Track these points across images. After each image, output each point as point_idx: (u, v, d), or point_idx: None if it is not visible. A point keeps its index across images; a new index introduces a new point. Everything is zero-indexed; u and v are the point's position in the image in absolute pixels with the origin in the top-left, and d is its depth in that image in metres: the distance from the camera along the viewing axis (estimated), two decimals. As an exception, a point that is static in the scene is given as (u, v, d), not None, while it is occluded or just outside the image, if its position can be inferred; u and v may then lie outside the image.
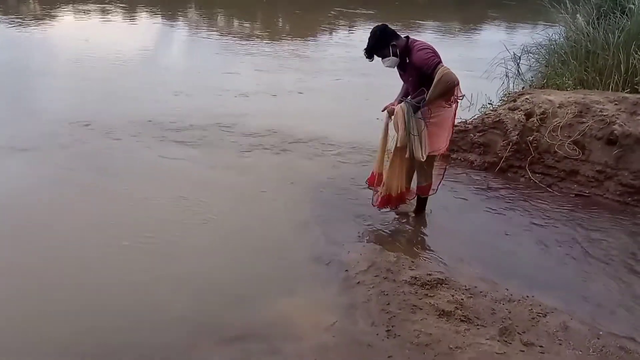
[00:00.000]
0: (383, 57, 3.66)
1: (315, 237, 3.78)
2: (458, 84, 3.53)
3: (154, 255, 3.47)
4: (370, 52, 3.67)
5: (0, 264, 3.30)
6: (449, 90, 3.53)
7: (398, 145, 3.73)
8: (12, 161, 4.82)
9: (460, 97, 3.76)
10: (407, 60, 3.64)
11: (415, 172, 3.99)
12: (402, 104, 3.65)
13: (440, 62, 3.49)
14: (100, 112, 6.11)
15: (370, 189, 4.15)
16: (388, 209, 4.09)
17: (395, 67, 3.74)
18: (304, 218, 4.03)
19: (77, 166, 4.77)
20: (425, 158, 3.72)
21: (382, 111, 3.90)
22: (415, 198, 4.12)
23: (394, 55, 3.62)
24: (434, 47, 3.63)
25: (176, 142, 5.44)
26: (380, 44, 3.63)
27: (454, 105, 3.74)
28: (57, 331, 2.75)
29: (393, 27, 3.70)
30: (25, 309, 2.91)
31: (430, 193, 4.05)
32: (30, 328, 2.77)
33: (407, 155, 3.71)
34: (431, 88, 3.50)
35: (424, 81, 3.57)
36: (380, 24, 3.73)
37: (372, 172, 4.11)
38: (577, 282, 3.45)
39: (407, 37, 3.68)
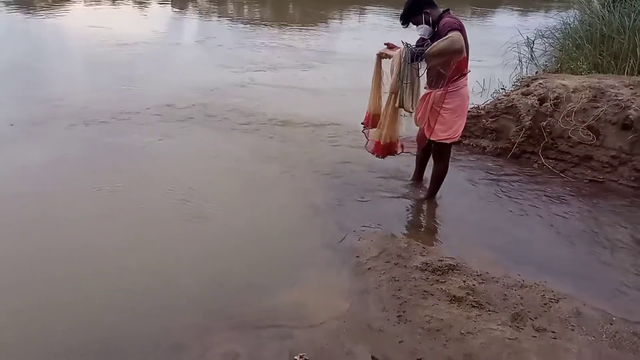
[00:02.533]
0: (417, 24, 3.66)
1: (325, 223, 3.78)
2: (460, 51, 3.42)
3: (164, 243, 3.48)
4: (404, 18, 3.69)
5: (12, 251, 3.33)
6: (450, 52, 3.41)
7: (389, 91, 3.67)
8: (17, 144, 4.86)
9: (467, 72, 3.69)
10: (436, 29, 3.60)
11: (432, 156, 4.01)
12: (402, 49, 3.56)
13: (458, 30, 3.39)
14: (106, 98, 6.14)
15: (364, 131, 4.10)
16: (382, 157, 4.03)
17: (428, 38, 3.67)
18: (314, 204, 4.03)
19: (84, 152, 4.78)
20: (413, 110, 3.66)
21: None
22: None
23: (426, 23, 3.61)
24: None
25: (180, 127, 5.48)
26: (412, 11, 3.64)
27: (466, 89, 3.71)
28: (70, 318, 2.78)
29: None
30: (38, 297, 2.93)
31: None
32: (47, 315, 2.80)
33: (396, 104, 3.64)
34: (436, 42, 3.43)
35: None
36: None
37: (367, 112, 4.06)
38: (590, 267, 3.42)
39: (446, 10, 3.62)
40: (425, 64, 3.59)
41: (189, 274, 3.16)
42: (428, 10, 3.60)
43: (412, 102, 3.59)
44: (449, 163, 4.04)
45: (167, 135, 5.24)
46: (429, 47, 3.44)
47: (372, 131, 4.00)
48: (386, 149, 3.90)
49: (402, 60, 3.50)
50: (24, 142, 4.90)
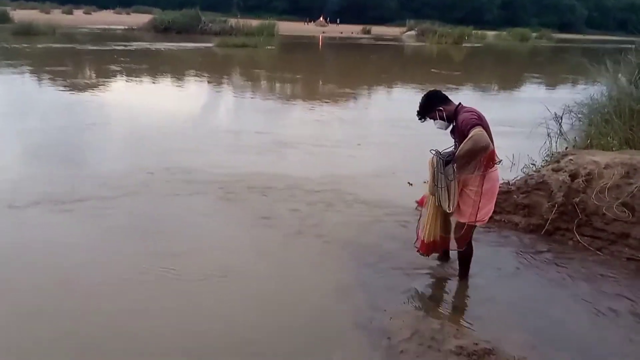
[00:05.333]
0: (433, 119, 3.82)
1: (356, 301, 3.73)
2: (487, 148, 3.48)
3: (184, 319, 3.47)
4: (420, 115, 3.86)
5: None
6: (477, 152, 3.50)
7: (429, 193, 3.86)
8: (58, 213, 4.97)
9: (498, 162, 3.76)
10: (454, 124, 3.72)
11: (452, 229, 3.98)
12: (434, 157, 3.73)
13: (479, 124, 3.49)
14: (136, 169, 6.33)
15: (417, 209, 4.33)
16: (426, 256, 4.09)
17: (448, 131, 3.86)
18: (344, 281, 4.00)
19: (115, 222, 4.89)
20: (451, 210, 3.74)
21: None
22: (454, 252, 4.10)
23: (440, 119, 3.76)
24: (482, 114, 3.65)
25: (206, 197, 5.59)
26: (426, 108, 3.81)
27: (496, 173, 3.74)
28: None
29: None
30: None
31: (456, 248, 3.99)
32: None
33: (436, 204, 3.81)
34: (462, 144, 3.53)
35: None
36: (432, 89, 3.91)
37: (423, 195, 4.15)
38: (634, 354, 3.25)
39: (459, 104, 3.77)
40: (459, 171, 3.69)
41: (210, 353, 3.13)
42: (441, 107, 3.75)
43: (450, 203, 3.72)
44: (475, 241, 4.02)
45: (199, 208, 5.34)
46: (458, 151, 3.56)
47: (421, 222, 4.08)
48: (430, 248, 4.02)
49: (435, 167, 3.71)
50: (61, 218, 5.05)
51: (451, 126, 3.78)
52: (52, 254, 4.28)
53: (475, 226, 3.87)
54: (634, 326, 3.54)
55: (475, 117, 3.55)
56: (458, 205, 3.77)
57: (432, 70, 21.47)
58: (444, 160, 3.67)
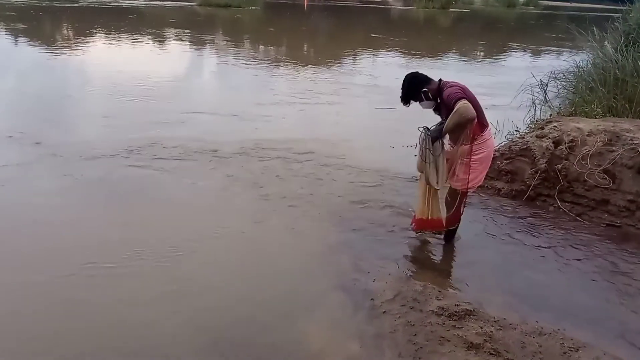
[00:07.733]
0: (418, 101, 3.78)
1: (340, 263, 3.77)
2: (473, 119, 3.52)
3: (174, 280, 3.48)
4: (404, 100, 3.80)
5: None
6: (463, 124, 3.53)
7: (417, 169, 3.88)
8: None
9: (487, 123, 3.77)
10: (439, 100, 3.71)
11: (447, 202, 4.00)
12: (422, 133, 3.73)
13: (463, 97, 3.52)
14: (120, 134, 6.24)
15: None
16: (422, 233, 4.14)
17: (433, 109, 3.84)
18: (329, 243, 4.03)
19: (95, 187, 4.86)
20: (439, 186, 3.79)
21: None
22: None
23: (427, 99, 3.73)
24: (466, 86, 3.67)
25: (192, 163, 5.55)
26: (411, 92, 3.76)
27: (490, 141, 3.77)
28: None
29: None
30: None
31: (452, 226, 4.04)
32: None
33: (424, 182, 3.83)
34: (448, 119, 3.55)
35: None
36: (411, 72, 3.84)
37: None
38: (610, 316, 3.35)
39: (440, 80, 3.74)
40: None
41: (196, 309, 3.16)
42: (425, 89, 3.71)
43: (438, 179, 3.75)
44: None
45: (184, 172, 5.30)
46: (445, 126, 3.58)
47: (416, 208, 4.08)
48: (430, 225, 4.01)
49: (422, 145, 3.72)
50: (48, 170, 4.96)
51: (435, 104, 3.77)
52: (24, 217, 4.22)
53: (467, 193, 3.90)
54: (611, 289, 3.63)
55: (459, 90, 3.57)
56: (454, 172, 3.78)
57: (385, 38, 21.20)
58: (432, 137, 3.67)
